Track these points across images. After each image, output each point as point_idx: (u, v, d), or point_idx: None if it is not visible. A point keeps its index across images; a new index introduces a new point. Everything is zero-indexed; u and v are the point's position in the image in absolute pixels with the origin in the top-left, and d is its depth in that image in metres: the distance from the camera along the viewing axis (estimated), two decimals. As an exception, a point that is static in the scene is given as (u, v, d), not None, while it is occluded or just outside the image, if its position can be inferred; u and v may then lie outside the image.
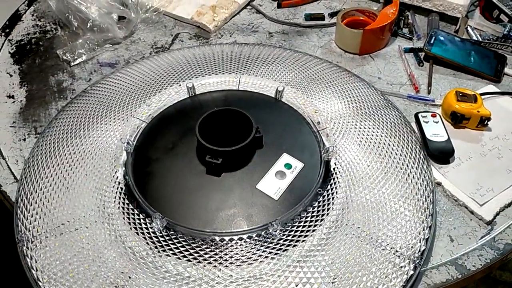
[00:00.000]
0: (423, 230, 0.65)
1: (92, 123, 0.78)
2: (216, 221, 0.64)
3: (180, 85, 0.82)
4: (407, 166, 0.72)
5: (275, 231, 0.62)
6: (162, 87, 0.83)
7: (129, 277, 0.60)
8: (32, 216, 0.67)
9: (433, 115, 0.82)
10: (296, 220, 0.64)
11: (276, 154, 0.72)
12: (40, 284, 0.61)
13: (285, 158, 0.71)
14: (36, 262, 0.63)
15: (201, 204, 0.66)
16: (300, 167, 0.70)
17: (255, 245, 0.62)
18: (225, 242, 0.62)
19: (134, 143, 0.74)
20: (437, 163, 0.76)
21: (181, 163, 0.71)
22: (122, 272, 0.61)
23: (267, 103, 0.80)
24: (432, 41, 0.94)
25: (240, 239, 0.62)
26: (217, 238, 0.62)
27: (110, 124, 0.78)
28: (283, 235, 0.62)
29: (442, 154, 0.76)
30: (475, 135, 0.81)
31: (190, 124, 0.74)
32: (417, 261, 0.62)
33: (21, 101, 0.88)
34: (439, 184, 0.74)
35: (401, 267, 0.61)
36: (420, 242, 0.63)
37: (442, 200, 0.72)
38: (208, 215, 0.65)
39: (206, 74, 0.85)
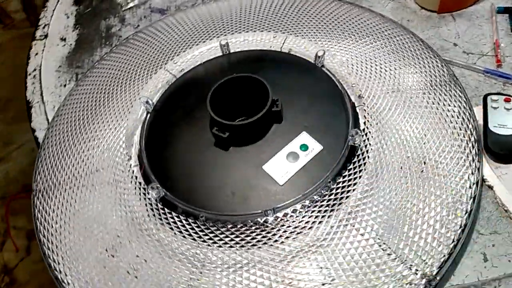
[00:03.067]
0: (447, 246, 0.54)
1: (121, 78, 0.76)
2: (213, 201, 0.60)
3: (215, 41, 0.76)
4: (446, 164, 0.59)
5: (267, 222, 0.56)
6: (195, 42, 0.77)
7: (120, 242, 0.60)
8: (52, 166, 0.68)
9: (507, 100, 0.66)
10: (295, 212, 0.57)
11: (294, 131, 0.64)
12: (44, 233, 0.63)
13: (303, 137, 0.63)
14: (46, 212, 0.65)
15: (202, 179, 0.62)
16: (317, 150, 0.62)
17: (251, 232, 0.56)
18: (218, 227, 0.57)
19: (154, 102, 0.71)
20: (495, 162, 0.62)
21: (193, 131, 0.67)
22: (118, 236, 0.61)
23: (304, 69, 0.71)
24: (533, 1, 0.75)
25: (233, 225, 0.57)
26: (210, 219, 0.58)
27: (139, 80, 0.75)
28: (280, 225, 0.56)
29: (504, 151, 0.62)
30: (558, 131, 0.64)
31: (213, 87, 0.69)
32: (431, 278, 0.52)
33: (70, 44, 0.89)
34: (490, 187, 0.61)
35: (411, 283, 0.52)
36: (440, 261, 0.53)
37: (488, 207, 0.60)
38: (205, 192, 0.61)
39: (249, 30, 0.77)
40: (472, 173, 0.59)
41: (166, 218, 0.60)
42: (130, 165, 0.66)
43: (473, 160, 0.60)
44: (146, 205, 0.61)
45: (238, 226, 0.57)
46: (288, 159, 0.61)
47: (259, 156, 0.62)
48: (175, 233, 0.59)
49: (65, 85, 0.82)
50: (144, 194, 0.62)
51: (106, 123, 0.71)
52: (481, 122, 0.66)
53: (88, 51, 0.87)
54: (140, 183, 0.63)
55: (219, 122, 0.62)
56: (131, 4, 0.92)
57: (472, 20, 0.79)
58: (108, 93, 0.75)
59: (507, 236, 0.57)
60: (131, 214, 0.62)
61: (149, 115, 0.70)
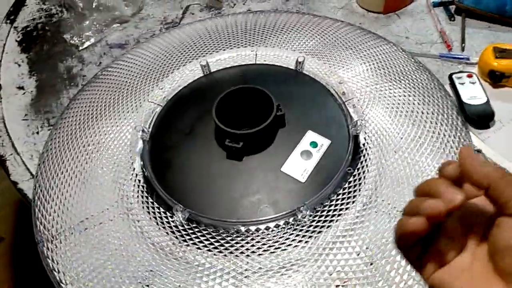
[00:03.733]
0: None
1: (105, 112, 0.74)
2: (240, 209, 0.60)
3: (193, 63, 0.77)
4: (444, 134, 0.66)
5: (304, 217, 0.58)
6: (175, 66, 0.78)
7: (153, 274, 0.58)
8: (50, 215, 0.65)
9: (469, 76, 0.75)
10: (326, 203, 0.59)
11: (300, 132, 0.66)
12: (63, 286, 0.59)
13: (310, 135, 0.66)
14: (57, 263, 0.61)
15: (223, 192, 0.62)
16: (327, 144, 0.65)
17: (284, 233, 0.58)
18: (251, 232, 0.58)
19: (150, 130, 0.70)
20: (476, 129, 0.70)
21: (199, 149, 0.67)
22: (146, 270, 0.58)
23: (287, 76, 0.75)
24: (463, -8, 0.86)
25: (267, 228, 0.58)
26: (242, 228, 0.58)
27: (123, 111, 0.74)
28: (313, 220, 0.58)
29: (481, 118, 0.70)
30: (517, 94, 0.74)
31: (206, 105, 0.69)
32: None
33: (31, 91, 0.84)
34: (479, 151, 0.68)
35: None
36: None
37: (483, 169, 0.66)
38: (231, 203, 0.61)
39: (220, 49, 0.80)
40: (465, 140, 0.66)
41: (197, 237, 0.59)
42: (141, 195, 0.64)
43: (462, 129, 0.67)
44: (172, 231, 0.60)
45: (271, 229, 0.58)
46: (303, 157, 0.64)
47: (273, 160, 0.64)
48: (209, 251, 0.58)
49: (37, 132, 0.78)
50: (167, 220, 0.60)
51: (100, 161, 0.68)
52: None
53: (53, 95, 0.83)
54: (158, 207, 0.62)
55: (231, 133, 0.63)
56: (87, 44, 0.90)
57: (414, 15, 0.89)
58: (92, 129, 0.72)
59: (507, 189, 0.64)
60: (157, 244, 0.60)
61: (146, 142, 0.69)
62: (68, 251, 0.61)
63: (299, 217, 0.58)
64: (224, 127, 0.63)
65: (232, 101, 0.67)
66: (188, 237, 0.59)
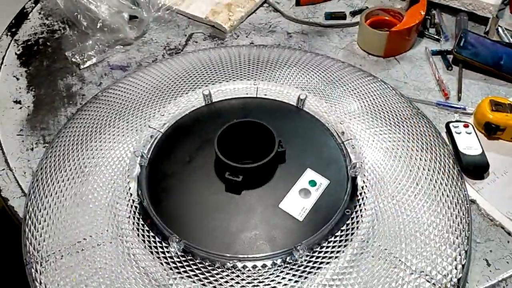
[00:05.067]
0: (459, 255, 0.60)
1: (103, 133, 0.74)
2: (237, 244, 0.60)
3: (196, 92, 0.78)
4: (440, 182, 0.67)
5: (301, 257, 0.58)
6: (177, 94, 0.78)
7: (145, 304, 0.56)
8: (41, 236, 0.63)
9: (466, 125, 0.77)
10: (323, 243, 0.59)
11: (299, 169, 0.67)
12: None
13: (309, 174, 0.66)
14: (45, 286, 0.59)
15: (221, 225, 0.62)
16: (325, 184, 0.65)
17: (280, 272, 0.57)
18: (247, 269, 0.57)
19: (148, 156, 0.70)
20: (471, 179, 0.71)
21: (198, 179, 0.67)
22: (137, 299, 0.57)
23: (288, 112, 0.75)
24: (462, 43, 0.88)
25: (264, 265, 0.57)
26: (238, 263, 0.58)
27: (123, 135, 0.73)
28: (309, 260, 0.58)
29: (477, 169, 0.71)
30: (511, 148, 0.75)
31: (207, 135, 0.70)
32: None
33: (28, 107, 0.83)
34: (473, 201, 0.69)
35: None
36: (456, 268, 0.59)
37: (476, 219, 0.68)
38: (228, 237, 0.61)
39: (223, 80, 0.80)
40: (461, 189, 0.67)
41: (192, 270, 0.58)
42: (136, 222, 0.63)
43: (458, 179, 0.68)
44: (166, 262, 0.59)
45: (268, 267, 0.57)
46: (301, 195, 0.64)
47: (272, 196, 0.64)
48: (203, 285, 0.57)
49: (32, 149, 0.77)
50: (162, 250, 0.60)
51: (97, 184, 0.68)
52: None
53: (50, 112, 0.82)
54: (153, 236, 0.61)
55: (232, 166, 0.63)
56: (88, 63, 0.89)
57: (413, 61, 0.91)
58: (91, 151, 0.71)
59: (499, 241, 0.65)
60: (150, 274, 0.59)
61: (143, 169, 0.68)
62: (57, 274, 0.60)
63: (296, 256, 0.58)
64: (225, 160, 0.63)
65: (234, 134, 0.68)
66: (183, 269, 0.58)
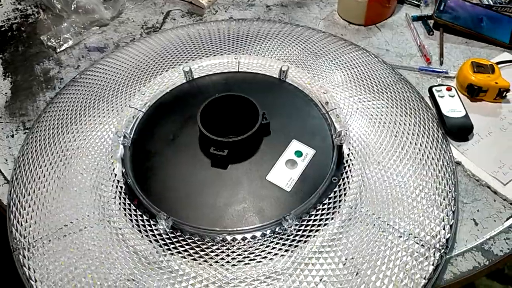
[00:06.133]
0: (447, 215, 0.60)
1: (84, 116, 0.73)
2: (226, 218, 0.60)
3: (176, 69, 0.77)
4: (425, 146, 0.67)
5: (290, 226, 0.58)
6: (157, 72, 0.77)
7: (136, 283, 0.56)
8: (26, 222, 0.62)
9: (448, 89, 0.76)
10: (312, 212, 0.59)
11: (284, 141, 0.66)
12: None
13: (295, 145, 0.66)
14: (34, 271, 0.58)
15: (209, 200, 0.62)
16: (311, 154, 0.65)
17: (270, 242, 0.57)
18: (237, 241, 0.57)
19: (131, 135, 0.69)
20: (456, 141, 0.71)
21: (183, 156, 0.66)
22: (128, 280, 0.57)
23: (271, 85, 0.75)
24: (442, 8, 0.88)
25: (253, 237, 0.57)
26: (228, 237, 0.58)
27: (104, 116, 0.72)
28: (298, 229, 0.58)
29: (461, 131, 0.72)
30: (494, 108, 0.76)
31: (190, 111, 0.69)
32: (443, 250, 0.58)
33: (5, 93, 0.81)
34: (458, 163, 0.69)
35: (426, 257, 0.57)
36: (444, 229, 0.59)
37: (463, 180, 0.68)
38: (216, 212, 0.60)
39: (203, 56, 0.79)
40: (445, 152, 0.67)
41: (182, 246, 0.58)
42: (123, 202, 0.62)
43: (442, 142, 0.69)
44: (155, 237, 0.58)
45: (257, 238, 0.57)
46: (287, 166, 0.64)
47: (259, 168, 0.64)
48: (194, 259, 0.57)
49: (12, 136, 0.75)
50: (150, 228, 0.59)
51: (81, 166, 0.67)
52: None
53: (29, 98, 0.80)
54: (141, 215, 0.60)
55: (216, 140, 0.63)
56: (65, 46, 0.87)
57: (394, 28, 0.90)
58: (72, 134, 0.70)
59: (485, 201, 0.66)
60: (139, 252, 0.58)
61: (127, 149, 0.67)
62: (46, 259, 0.59)
63: (285, 226, 0.58)
64: (209, 135, 0.63)
65: (217, 109, 0.67)
66: (173, 246, 0.58)
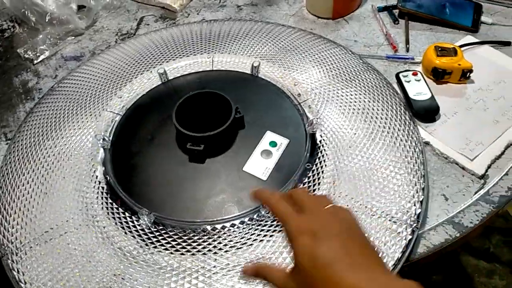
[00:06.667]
0: (417, 192, 0.63)
1: (64, 122, 0.75)
2: (206, 210, 0.62)
3: (151, 71, 0.79)
4: (394, 129, 0.70)
5: (268, 213, 0.60)
6: (133, 76, 0.79)
7: (123, 278, 0.58)
8: (13, 227, 0.64)
9: (414, 74, 0.80)
10: (288, 198, 0.62)
11: (259, 133, 0.69)
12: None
13: (269, 136, 0.69)
14: (23, 274, 0.60)
15: (188, 194, 0.64)
16: (285, 143, 0.68)
17: (249, 229, 0.60)
18: (217, 230, 0.60)
19: (111, 138, 0.71)
20: (424, 122, 0.74)
21: (162, 154, 0.69)
22: (114, 275, 0.59)
23: (244, 81, 0.77)
24: (405, -3, 0.91)
25: (233, 225, 0.60)
26: (208, 227, 0.60)
27: (83, 121, 0.74)
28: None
29: (428, 113, 0.75)
30: (459, 89, 0.79)
31: (166, 111, 0.71)
32: (414, 224, 0.60)
33: (-15, 107, 0.83)
34: (427, 143, 0.72)
35: (399, 233, 0.60)
36: (415, 205, 0.62)
37: (432, 159, 0.71)
38: (196, 205, 0.63)
39: (177, 57, 0.82)
40: (413, 133, 0.70)
41: (164, 239, 0.60)
42: (105, 202, 0.64)
43: (410, 124, 0.71)
44: (138, 232, 0.61)
45: (237, 226, 0.60)
46: (263, 156, 0.66)
47: (235, 160, 0.66)
48: (177, 251, 0.59)
49: (-5, 147, 0.77)
50: (132, 222, 0.61)
51: (63, 170, 0.69)
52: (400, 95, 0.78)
53: (9, 110, 0.82)
54: (123, 213, 0.62)
55: (192, 136, 0.65)
56: (41, 57, 0.89)
57: (361, 20, 0.93)
58: (53, 140, 0.72)
59: (454, 177, 0.69)
60: (124, 248, 0.60)
61: (107, 151, 0.70)
62: (34, 262, 0.61)
63: (263, 213, 0.60)
64: (185, 131, 0.65)
65: (192, 106, 0.69)
66: (156, 239, 0.60)
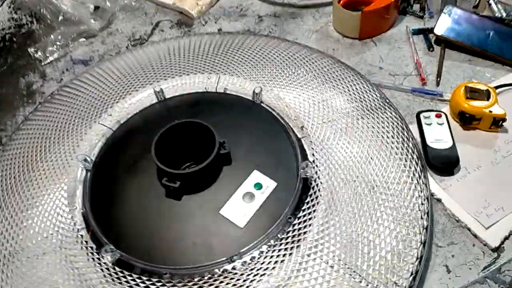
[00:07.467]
0: (412, 264, 0.55)
1: (53, 137, 0.71)
2: (174, 254, 0.57)
3: (149, 88, 0.74)
4: (399, 181, 0.61)
5: (236, 267, 0.55)
6: (130, 91, 0.75)
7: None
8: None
9: (438, 115, 0.70)
10: (264, 251, 0.56)
11: (246, 171, 0.63)
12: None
13: (256, 176, 0.62)
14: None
15: (159, 233, 0.59)
16: (272, 187, 0.61)
17: (220, 282, 0.54)
18: (183, 283, 0.54)
19: (94, 159, 0.67)
20: (439, 175, 0.66)
21: (141, 184, 0.64)
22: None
23: (243, 108, 0.71)
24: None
25: (201, 278, 0.54)
26: (175, 277, 0.55)
27: (71, 138, 0.71)
28: (252, 268, 0.55)
29: (445, 165, 0.65)
30: (488, 138, 0.69)
31: (154, 135, 0.66)
32: (402, 300, 0.53)
33: (-12, 107, 0.82)
34: (439, 200, 0.64)
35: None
36: (407, 279, 0.54)
37: (441, 220, 0.62)
38: (166, 246, 0.58)
39: (178, 75, 0.76)
40: (421, 190, 0.61)
41: (127, 281, 0.56)
42: (77, 229, 0.61)
43: (419, 177, 0.63)
44: (101, 270, 0.57)
45: (206, 278, 0.54)
46: (245, 200, 0.60)
47: (214, 201, 0.61)
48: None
49: (-11, 151, 0.76)
50: (98, 258, 0.58)
51: (43, 188, 0.66)
52: (418, 139, 0.69)
53: (9, 112, 0.81)
54: (91, 247, 0.59)
55: (168, 172, 0.60)
56: (51, 58, 0.87)
57: (392, 43, 0.84)
58: (39, 155, 0.70)
59: (463, 245, 0.60)
60: (85, 282, 0.57)
61: (89, 173, 0.66)
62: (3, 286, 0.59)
63: (230, 268, 0.54)
64: (161, 165, 0.60)
65: (176, 135, 0.64)
66: (118, 281, 0.56)
